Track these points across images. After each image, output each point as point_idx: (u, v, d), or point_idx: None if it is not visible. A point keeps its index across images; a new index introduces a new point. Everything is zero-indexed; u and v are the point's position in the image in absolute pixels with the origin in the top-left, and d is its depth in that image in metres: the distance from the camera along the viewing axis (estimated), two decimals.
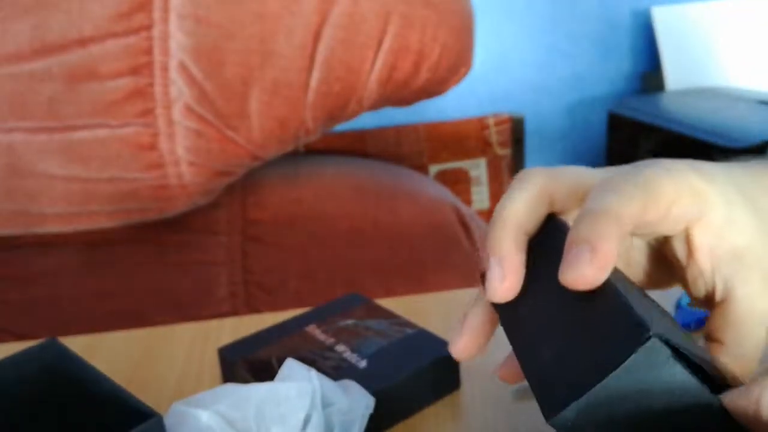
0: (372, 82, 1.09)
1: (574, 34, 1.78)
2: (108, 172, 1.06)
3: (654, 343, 0.27)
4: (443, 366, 0.52)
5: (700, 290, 0.36)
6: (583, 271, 0.30)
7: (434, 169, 1.72)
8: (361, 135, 1.65)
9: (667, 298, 0.64)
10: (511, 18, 1.74)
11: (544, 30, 1.77)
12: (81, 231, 1.12)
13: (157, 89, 1.03)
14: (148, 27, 1.02)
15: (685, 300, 0.62)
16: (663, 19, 1.75)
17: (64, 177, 1.06)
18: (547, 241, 0.35)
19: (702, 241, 0.35)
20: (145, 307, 1.04)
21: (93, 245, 1.13)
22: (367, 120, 1.61)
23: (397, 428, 0.50)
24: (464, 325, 0.36)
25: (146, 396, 0.55)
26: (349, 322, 0.57)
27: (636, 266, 0.40)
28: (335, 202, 1.17)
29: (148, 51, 1.02)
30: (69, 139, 1.04)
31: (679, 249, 0.36)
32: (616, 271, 0.33)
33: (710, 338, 0.35)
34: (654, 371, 0.28)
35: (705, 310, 0.36)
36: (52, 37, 1.01)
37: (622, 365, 0.28)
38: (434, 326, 0.61)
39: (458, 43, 1.12)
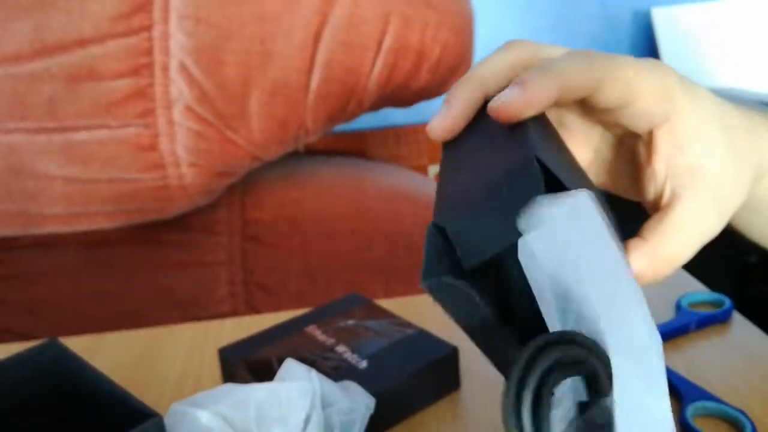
0: (372, 82, 1.09)
1: (574, 34, 1.78)
2: (108, 173, 1.06)
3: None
4: (443, 366, 0.52)
5: (650, 194, 0.36)
6: (508, 100, 0.32)
7: (434, 169, 1.72)
8: (360, 135, 1.65)
9: (667, 297, 0.64)
10: (512, 18, 1.74)
11: (545, 30, 1.77)
12: (81, 231, 1.12)
13: (158, 90, 1.03)
14: (148, 27, 1.02)
15: (685, 300, 0.62)
16: (663, 20, 1.75)
17: (64, 178, 1.06)
18: None
19: (661, 146, 0.35)
20: (145, 307, 1.04)
21: (93, 245, 1.13)
22: (366, 121, 1.61)
23: (397, 428, 0.50)
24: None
25: (146, 396, 0.55)
26: (349, 322, 0.57)
27: (601, 161, 0.41)
28: (335, 202, 1.17)
29: (149, 51, 1.02)
30: (69, 139, 1.04)
31: (641, 149, 0.37)
32: (550, 135, 0.35)
33: (638, 233, 0.36)
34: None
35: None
36: (52, 37, 1.01)
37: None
38: (434, 326, 0.61)
39: (459, 44, 1.12)
